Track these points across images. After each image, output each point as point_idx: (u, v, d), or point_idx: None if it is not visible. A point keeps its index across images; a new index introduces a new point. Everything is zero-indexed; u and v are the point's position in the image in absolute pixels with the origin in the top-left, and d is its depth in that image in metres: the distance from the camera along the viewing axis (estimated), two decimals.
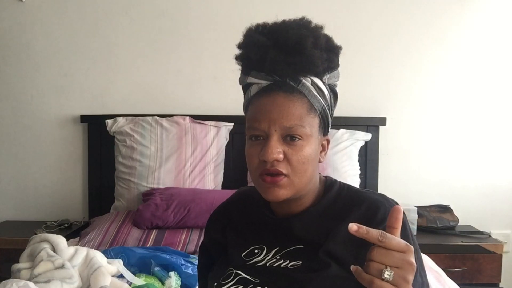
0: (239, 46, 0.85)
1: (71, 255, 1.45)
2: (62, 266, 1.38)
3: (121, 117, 2.37)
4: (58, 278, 1.34)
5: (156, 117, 2.34)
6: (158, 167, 2.25)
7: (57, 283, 1.31)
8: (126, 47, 2.48)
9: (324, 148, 0.86)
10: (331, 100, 0.84)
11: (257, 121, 0.80)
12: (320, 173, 0.90)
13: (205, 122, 2.36)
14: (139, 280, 1.45)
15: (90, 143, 2.48)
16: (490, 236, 2.31)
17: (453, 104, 2.50)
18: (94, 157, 2.47)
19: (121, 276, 1.44)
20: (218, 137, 2.34)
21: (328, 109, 0.84)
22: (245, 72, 0.85)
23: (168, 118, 2.34)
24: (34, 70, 2.48)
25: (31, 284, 1.27)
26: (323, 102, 0.82)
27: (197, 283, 1.54)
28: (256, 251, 0.87)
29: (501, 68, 2.49)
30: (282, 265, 0.83)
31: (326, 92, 0.82)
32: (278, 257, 0.84)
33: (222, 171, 2.40)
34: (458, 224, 2.38)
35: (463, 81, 2.49)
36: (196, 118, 2.37)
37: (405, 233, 0.76)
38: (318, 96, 0.81)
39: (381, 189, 2.43)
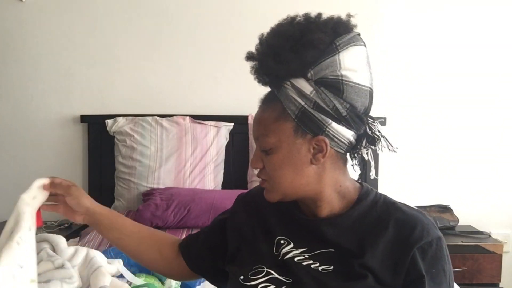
0: None
1: (71, 255, 1.45)
2: (62, 266, 1.38)
3: (121, 117, 2.37)
4: (58, 278, 1.34)
5: (156, 117, 2.34)
6: (158, 167, 2.25)
7: (57, 283, 1.31)
8: (126, 47, 2.48)
9: (322, 149, 0.80)
10: (321, 95, 0.78)
11: None
12: (354, 179, 0.90)
13: (205, 122, 2.36)
14: (139, 280, 1.45)
15: (90, 143, 2.48)
16: (490, 236, 2.31)
17: (453, 104, 2.50)
18: (94, 157, 2.47)
19: (121, 276, 1.44)
20: (218, 137, 2.34)
21: (314, 107, 0.78)
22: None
23: (168, 118, 2.34)
24: (34, 70, 2.48)
25: None
26: (302, 103, 0.78)
27: (197, 283, 1.54)
28: (282, 241, 0.86)
29: (502, 69, 2.49)
30: (312, 266, 0.82)
31: (309, 90, 0.78)
32: (307, 256, 0.83)
33: (222, 171, 2.39)
34: (458, 224, 2.38)
35: (463, 81, 2.49)
36: (196, 118, 2.37)
37: (436, 265, 0.83)
38: (297, 98, 0.78)
39: (381, 189, 2.41)
